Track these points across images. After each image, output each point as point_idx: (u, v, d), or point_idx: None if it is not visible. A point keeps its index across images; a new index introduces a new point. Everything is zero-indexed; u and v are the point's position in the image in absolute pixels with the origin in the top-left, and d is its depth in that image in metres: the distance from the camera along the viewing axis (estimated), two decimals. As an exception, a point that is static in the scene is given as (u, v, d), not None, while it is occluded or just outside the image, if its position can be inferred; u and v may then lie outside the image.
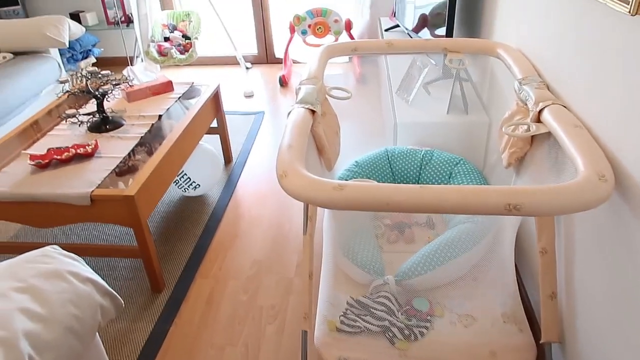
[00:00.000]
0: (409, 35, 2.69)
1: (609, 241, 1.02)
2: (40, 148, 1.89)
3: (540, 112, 1.20)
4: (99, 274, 1.20)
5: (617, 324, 0.99)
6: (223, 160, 2.63)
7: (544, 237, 1.21)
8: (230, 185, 2.45)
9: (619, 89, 0.97)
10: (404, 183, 1.84)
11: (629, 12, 0.87)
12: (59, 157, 1.76)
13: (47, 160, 1.75)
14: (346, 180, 1.75)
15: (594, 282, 1.09)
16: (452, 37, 2.09)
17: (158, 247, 2.04)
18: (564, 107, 1.17)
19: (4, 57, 3.02)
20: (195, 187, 2.24)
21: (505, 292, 1.41)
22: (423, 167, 1.84)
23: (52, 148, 1.83)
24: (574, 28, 1.19)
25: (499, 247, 1.48)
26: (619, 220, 0.98)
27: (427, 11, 2.33)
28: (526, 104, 1.30)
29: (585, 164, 0.94)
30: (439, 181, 1.80)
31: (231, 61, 4.08)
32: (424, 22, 2.40)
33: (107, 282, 1.80)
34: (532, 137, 1.31)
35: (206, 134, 2.39)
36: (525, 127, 1.25)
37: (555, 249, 1.22)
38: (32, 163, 1.73)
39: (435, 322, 1.36)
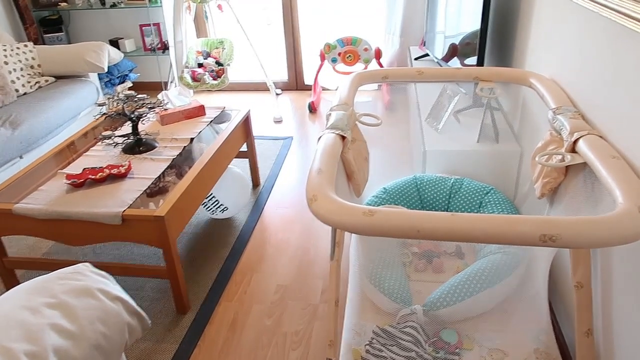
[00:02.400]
0: (439, 64, 2.70)
1: (650, 277, 0.97)
2: (76, 168, 1.95)
3: (575, 142, 1.17)
4: (126, 294, 1.21)
5: (659, 365, 0.94)
6: (251, 184, 2.66)
7: (580, 271, 1.17)
8: (257, 208, 2.46)
9: (659, 120, 0.95)
10: (433, 211, 1.82)
11: (670, 42, 0.86)
12: (93, 177, 1.81)
13: (82, 180, 1.80)
14: (375, 207, 1.74)
15: (633, 319, 1.04)
16: (483, 66, 2.09)
17: (184, 268, 2.05)
18: (600, 137, 1.15)
19: (46, 81, 3.15)
20: (223, 210, 2.27)
21: (538, 327, 1.36)
22: (452, 196, 1.81)
23: (87, 168, 1.88)
24: (609, 58, 1.18)
25: (531, 279, 1.44)
26: (660, 255, 0.94)
27: (457, 41, 2.34)
28: (560, 134, 1.27)
29: (624, 195, 0.91)
30: (469, 210, 1.77)
31: (262, 87, 4.16)
32: (453, 51, 2.40)
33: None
34: (567, 167, 1.28)
35: (235, 157, 2.42)
36: (560, 157, 1.22)
37: (592, 283, 1.18)
38: (68, 182, 1.79)
39: (464, 355, 1.31)
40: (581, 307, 1.17)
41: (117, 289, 1.18)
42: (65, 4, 3.88)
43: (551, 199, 1.37)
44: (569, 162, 1.16)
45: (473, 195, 1.77)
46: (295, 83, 4.17)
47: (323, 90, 4.04)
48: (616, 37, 1.14)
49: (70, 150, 2.13)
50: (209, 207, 2.26)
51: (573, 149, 1.19)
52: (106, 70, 3.22)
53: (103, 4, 3.82)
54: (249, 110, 2.50)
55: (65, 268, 1.19)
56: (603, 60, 1.22)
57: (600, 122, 1.23)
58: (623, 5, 1.05)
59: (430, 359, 1.29)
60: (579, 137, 1.17)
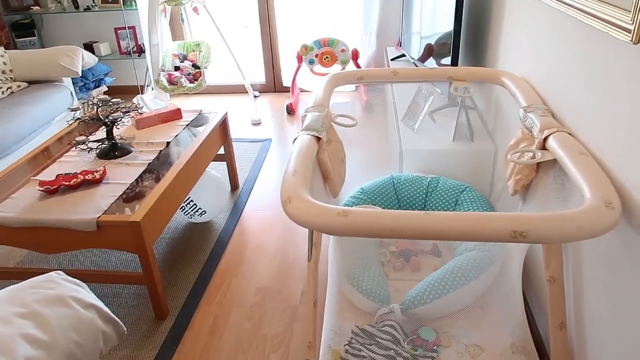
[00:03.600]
0: (415, 65, 2.72)
1: (617, 268, 1.00)
2: (49, 174, 1.91)
3: (545, 139, 1.20)
4: (103, 301, 1.19)
5: (630, 354, 0.97)
6: (229, 187, 2.64)
7: (552, 265, 1.19)
8: (236, 212, 2.45)
9: (623, 116, 0.97)
10: (409, 210, 1.84)
11: (631, 40, 0.88)
12: (67, 183, 1.78)
13: (55, 187, 1.76)
14: (351, 207, 1.74)
15: (604, 310, 1.06)
16: (457, 65, 2.12)
17: (163, 273, 2.03)
18: (569, 134, 1.17)
19: (19, 86, 3.09)
20: (201, 214, 2.25)
21: (513, 322, 1.38)
22: (429, 195, 1.83)
23: (61, 174, 1.85)
24: (577, 56, 1.21)
25: (506, 275, 1.46)
26: (626, 246, 0.96)
27: (432, 41, 2.36)
28: (531, 132, 1.30)
29: (591, 191, 0.93)
30: (445, 208, 1.79)
31: (239, 90, 4.14)
32: (429, 51, 2.43)
33: (111, 309, 1.79)
34: (538, 164, 1.30)
35: (213, 161, 2.41)
36: (531, 154, 1.25)
37: (564, 277, 1.20)
38: (41, 189, 1.75)
39: (442, 352, 1.33)
40: (554, 301, 1.19)
41: (90, 297, 1.16)
42: (37, 7, 3.81)
43: (524, 196, 1.40)
44: (539, 159, 1.18)
45: (449, 194, 1.79)
46: (273, 85, 4.16)
47: (301, 91, 4.04)
48: (583, 36, 1.17)
49: (44, 156, 2.09)
50: (187, 211, 2.24)
51: (543, 146, 1.21)
52: (80, 74, 3.17)
53: (77, 7, 3.76)
54: (227, 113, 2.49)
55: (38, 277, 1.16)
56: (571, 59, 1.25)
57: (569, 120, 1.25)
58: (587, 5, 1.07)
59: (408, 357, 1.30)
60: (549, 135, 1.19)
